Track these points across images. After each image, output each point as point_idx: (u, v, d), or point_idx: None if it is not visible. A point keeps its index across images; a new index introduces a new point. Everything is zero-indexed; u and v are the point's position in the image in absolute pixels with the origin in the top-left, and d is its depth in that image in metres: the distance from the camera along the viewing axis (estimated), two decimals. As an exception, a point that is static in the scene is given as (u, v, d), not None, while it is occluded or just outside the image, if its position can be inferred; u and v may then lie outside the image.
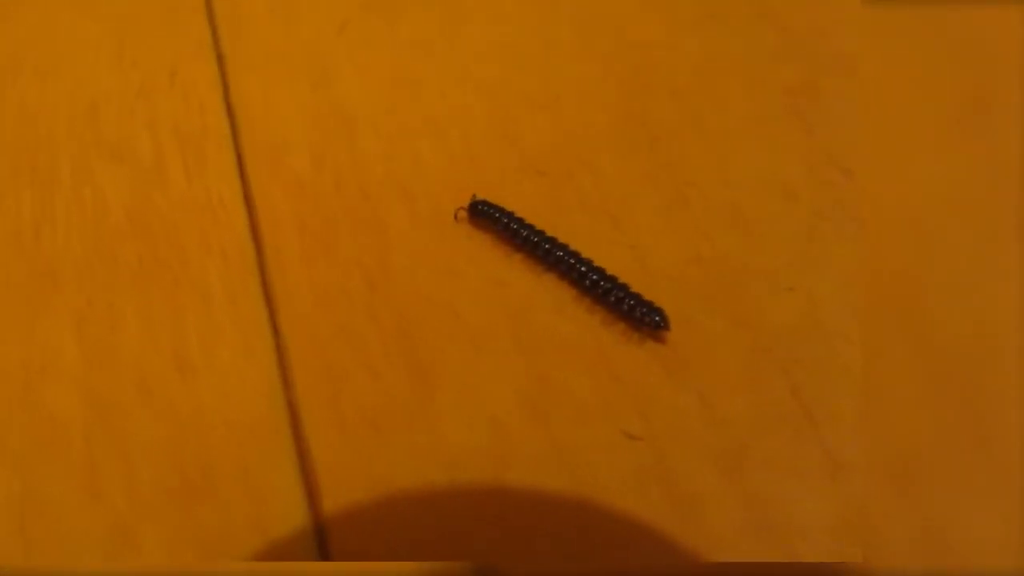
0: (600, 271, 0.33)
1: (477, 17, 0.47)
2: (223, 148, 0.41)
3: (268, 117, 0.42)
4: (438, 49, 0.45)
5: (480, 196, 0.36)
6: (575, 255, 0.34)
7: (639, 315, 0.32)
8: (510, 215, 0.35)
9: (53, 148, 0.41)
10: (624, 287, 0.33)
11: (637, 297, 0.32)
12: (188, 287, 0.36)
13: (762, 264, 0.34)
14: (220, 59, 0.45)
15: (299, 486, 0.31)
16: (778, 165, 0.37)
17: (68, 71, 0.45)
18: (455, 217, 0.36)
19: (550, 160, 0.39)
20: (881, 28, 0.34)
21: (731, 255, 0.35)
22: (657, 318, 0.32)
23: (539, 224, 0.35)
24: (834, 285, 0.33)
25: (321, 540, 0.30)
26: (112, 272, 0.37)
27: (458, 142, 0.40)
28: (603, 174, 0.38)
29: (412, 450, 0.31)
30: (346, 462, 0.31)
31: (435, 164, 0.39)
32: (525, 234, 0.34)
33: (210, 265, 0.37)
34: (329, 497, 0.31)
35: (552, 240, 0.34)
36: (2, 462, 0.32)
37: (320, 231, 0.38)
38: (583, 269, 0.33)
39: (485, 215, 0.35)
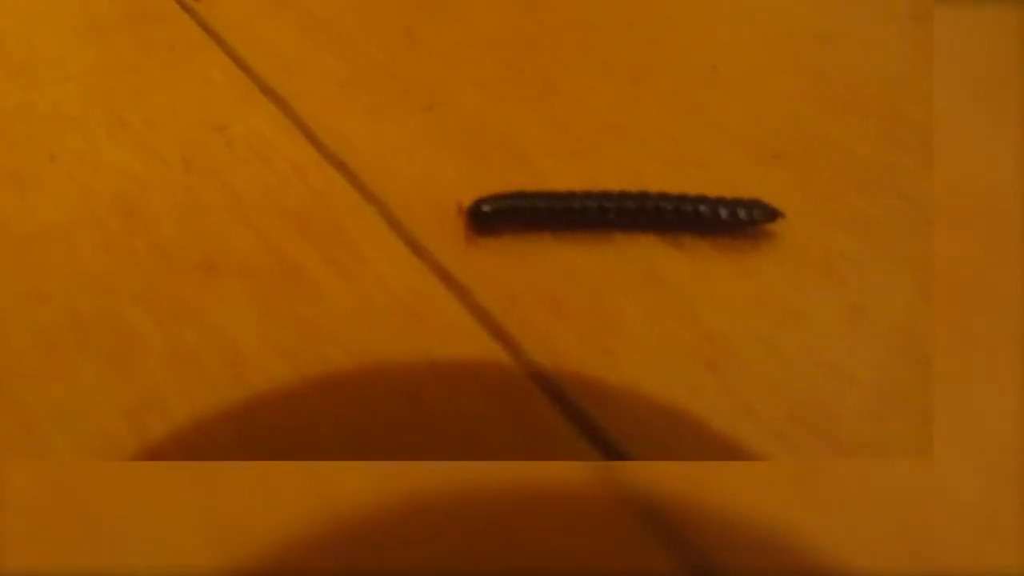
0: (667, 195, 0.26)
1: None
2: (364, 216, 0.27)
3: (392, 162, 0.28)
4: (545, 45, 0.34)
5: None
6: (628, 195, 0.26)
7: (745, 215, 0.26)
8: (531, 195, 0.26)
9: (97, 284, 0.25)
10: (703, 196, 0.26)
11: (725, 200, 0.26)
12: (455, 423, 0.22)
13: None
14: (276, 101, 0.30)
15: None
16: None
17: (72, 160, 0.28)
18: (466, 241, 0.26)
19: (774, 142, 0.30)
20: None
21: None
22: (760, 210, 0.26)
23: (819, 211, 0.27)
24: None
25: None
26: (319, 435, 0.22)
27: (658, 147, 0.30)
28: (845, 145, 0.30)
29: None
30: None
31: (658, 177, 0.27)
32: (567, 206, 0.26)
33: (470, 405, 0.22)
34: None
35: (597, 194, 0.26)
36: None
37: (571, 290, 0.25)
38: (659, 203, 0.26)
39: (499, 214, 0.26)
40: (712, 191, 0.27)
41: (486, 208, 0.25)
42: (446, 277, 0.25)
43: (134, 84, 0.31)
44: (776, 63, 0.34)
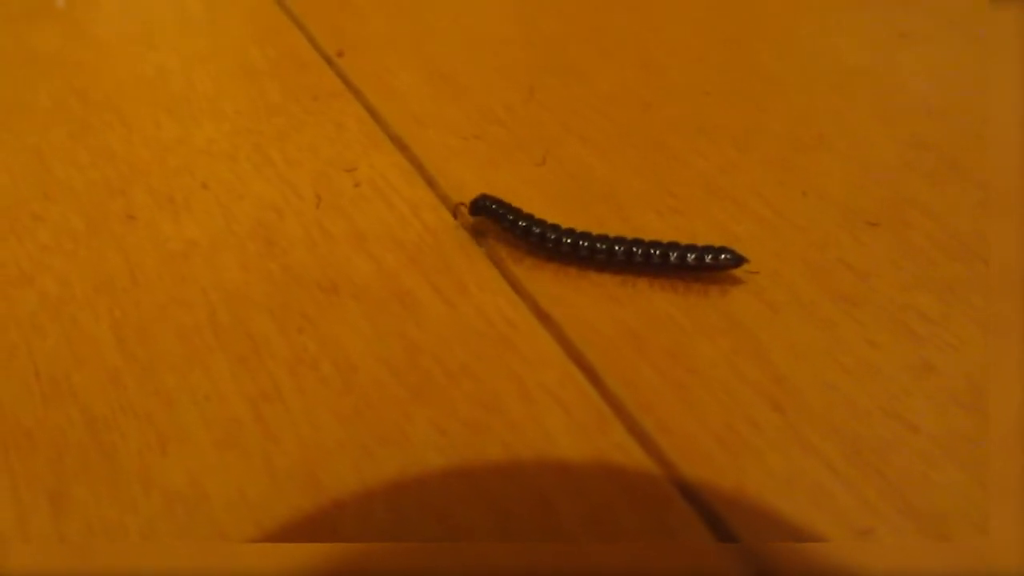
0: (640, 241, 0.28)
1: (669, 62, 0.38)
2: (470, 254, 0.29)
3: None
4: (657, 108, 0.36)
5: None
6: (605, 237, 0.28)
7: (712, 260, 0.28)
8: (523, 214, 0.29)
9: (234, 296, 0.28)
10: (675, 243, 0.28)
11: (695, 247, 0.28)
12: (539, 464, 0.24)
13: None
14: (402, 148, 0.34)
15: None
16: None
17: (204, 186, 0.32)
18: (454, 214, 0.30)
19: (871, 210, 0.31)
20: None
21: None
22: (728, 256, 0.28)
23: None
24: None
25: None
26: (404, 446, 0.24)
27: (754, 209, 0.31)
28: (940, 214, 0.31)
29: None
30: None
31: (749, 237, 0.29)
32: (543, 233, 0.28)
33: (549, 421, 0.24)
34: None
35: (577, 232, 0.28)
36: None
37: (654, 329, 0.26)
38: (632, 247, 0.28)
39: (488, 211, 0.29)
40: (803, 253, 0.28)
41: (481, 204, 0.29)
42: (538, 310, 0.27)
43: (278, 125, 0.35)
44: (883, 134, 0.34)
